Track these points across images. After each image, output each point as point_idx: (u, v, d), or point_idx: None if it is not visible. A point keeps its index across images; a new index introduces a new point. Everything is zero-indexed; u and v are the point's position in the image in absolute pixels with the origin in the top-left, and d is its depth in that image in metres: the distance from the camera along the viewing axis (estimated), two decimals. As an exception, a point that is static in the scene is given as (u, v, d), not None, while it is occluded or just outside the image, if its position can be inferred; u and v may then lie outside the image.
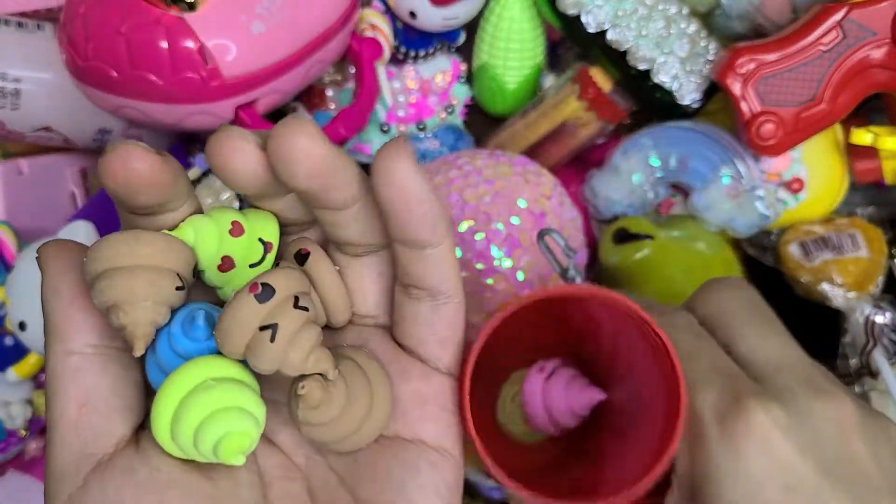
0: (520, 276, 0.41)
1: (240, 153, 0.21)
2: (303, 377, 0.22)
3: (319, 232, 0.25)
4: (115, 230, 0.50)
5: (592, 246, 0.51)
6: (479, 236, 0.41)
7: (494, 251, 0.41)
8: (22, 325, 0.44)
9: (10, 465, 0.50)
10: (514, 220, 0.41)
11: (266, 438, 0.25)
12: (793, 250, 0.49)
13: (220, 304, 0.24)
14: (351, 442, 0.24)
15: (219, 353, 0.22)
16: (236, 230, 0.23)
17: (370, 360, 0.24)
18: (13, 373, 0.46)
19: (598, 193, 0.51)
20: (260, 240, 0.24)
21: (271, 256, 0.24)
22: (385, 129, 0.53)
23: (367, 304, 0.26)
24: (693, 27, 0.48)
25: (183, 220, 0.22)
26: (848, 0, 0.43)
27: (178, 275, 0.22)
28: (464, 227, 0.41)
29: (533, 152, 0.52)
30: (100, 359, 0.23)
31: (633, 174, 0.50)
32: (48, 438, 0.22)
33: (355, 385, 0.23)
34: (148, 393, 0.24)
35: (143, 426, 0.23)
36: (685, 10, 0.48)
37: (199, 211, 0.23)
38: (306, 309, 0.22)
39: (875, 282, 0.48)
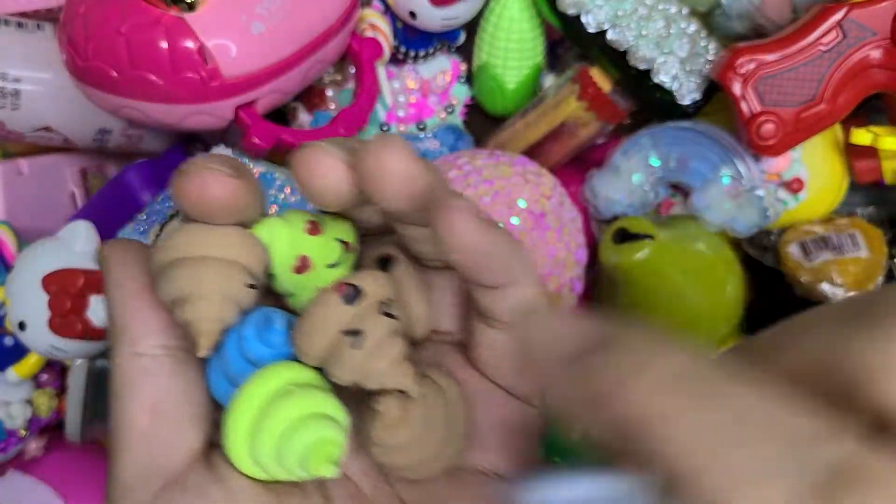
0: (520, 276, 0.41)
1: (326, 169, 0.20)
2: (381, 392, 0.20)
3: (393, 240, 0.24)
4: (115, 230, 0.50)
5: (592, 246, 0.51)
6: (479, 236, 0.41)
7: (494, 251, 0.41)
8: (22, 325, 0.43)
9: (10, 465, 0.50)
10: (514, 221, 0.41)
11: None
12: (793, 250, 0.49)
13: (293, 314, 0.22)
14: (425, 469, 0.22)
15: (294, 360, 0.20)
16: (313, 229, 0.21)
17: (449, 380, 0.22)
18: (13, 373, 0.46)
19: (598, 193, 0.51)
20: (338, 239, 0.22)
21: (352, 256, 0.22)
22: (385, 128, 0.53)
23: (444, 319, 0.24)
24: (693, 27, 0.48)
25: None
26: (848, 0, 0.43)
27: (249, 272, 0.20)
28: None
29: (533, 152, 0.51)
30: (170, 361, 0.21)
31: (633, 174, 0.50)
32: (113, 447, 0.21)
33: (434, 406, 0.21)
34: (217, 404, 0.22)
35: (213, 443, 0.21)
36: (685, 10, 0.48)
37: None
38: (394, 317, 0.20)
39: (875, 282, 0.48)
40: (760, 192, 0.47)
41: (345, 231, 0.22)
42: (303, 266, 0.21)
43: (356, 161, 0.20)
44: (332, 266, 0.22)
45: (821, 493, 0.11)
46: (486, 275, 0.21)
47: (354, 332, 0.20)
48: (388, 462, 0.21)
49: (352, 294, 0.20)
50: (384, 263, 0.22)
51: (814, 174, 0.49)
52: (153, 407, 0.20)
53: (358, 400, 0.22)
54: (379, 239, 0.24)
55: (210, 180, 0.19)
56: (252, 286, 0.20)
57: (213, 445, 0.21)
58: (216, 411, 0.21)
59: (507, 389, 0.23)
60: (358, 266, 0.22)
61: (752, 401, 0.13)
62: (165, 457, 0.20)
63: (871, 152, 0.47)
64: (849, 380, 0.13)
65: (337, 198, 0.20)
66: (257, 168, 0.44)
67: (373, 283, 0.20)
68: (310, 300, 0.20)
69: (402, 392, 0.21)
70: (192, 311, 0.19)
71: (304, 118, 0.53)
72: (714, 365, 0.14)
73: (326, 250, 0.21)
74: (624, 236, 0.47)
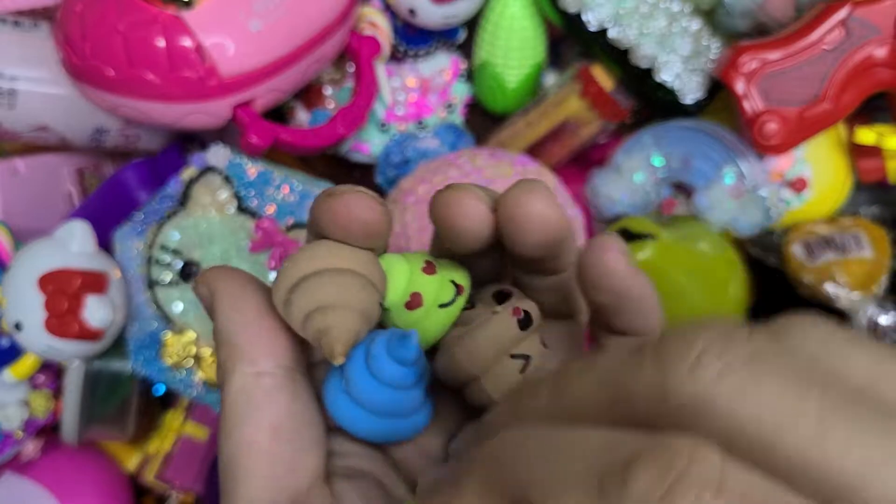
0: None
1: (470, 210, 0.20)
2: None
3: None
4: (112, 230, 0.50)
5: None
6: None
7: (495, 251, 0.40)
8: (18, 326, 0.43)
9: (6, 467, 0.49)
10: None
11: None
12: (796, 250, 0.48)
13: None
14: None
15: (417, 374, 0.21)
16: (429, 268, 0.22)
17: None
18: (9, 374, 0.46)
19: (600, 193, 0.51)
20: (452, 281, 0.22)
21: (462, 299, 0.22)
22: (384, 127, 0.53)
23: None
24: (695, 25, 0.48)
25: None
26: (852, -2, 0.43)
27: (380, 293, 0.21)
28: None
29: (534, 151, 0.51)
30: (290, 381, 0.21)
31: (635, 173, 0.49)
32: (232, 469, 0.20)
33: None
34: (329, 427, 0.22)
35: (330, 468, 0.22)
36: (687, 8, 0.48)
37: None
38: (547, 347, 0.22)
39: (879, 282, 0.47)
40: (763, 192, 0.47)
41: (459, 275, 0.23)
42: (415, 302, 0.22)
43: (498, 204, 0.20)
44: (444, 306, 0.22)
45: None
46: (626, 321, 0.22)
47: (525, 357, 0.21)
48: None
49: (526, 320, 0.21)
50: (501, 298, 0.23)
51: (817, 174, 0.49)
52: (275, 427, 0.20)
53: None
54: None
55: (360, 202, 0.20)
56: (381, 305, 0.21)
57: (332, 473, 0.22)
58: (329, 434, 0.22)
59: None
60: (471, 306, 0.23)
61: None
62: (289, 478, 0.20)
63: (875, 151, 0.47)
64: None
65: (477, 240, 0.21)
66: (255, 167, 0.44)
67: (537, 313, 0.21)
68: (482, 318, 0.21)
69: None
70: (332, 317, 0.20)
71: (302, 117, 0.53)
72: None
73: (440, 290, 0.22)
74: (626, 236, 0.46)
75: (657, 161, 0.49)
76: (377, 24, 0.50)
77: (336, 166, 0.55)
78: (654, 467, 0.11)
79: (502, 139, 0.53)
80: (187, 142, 0.53)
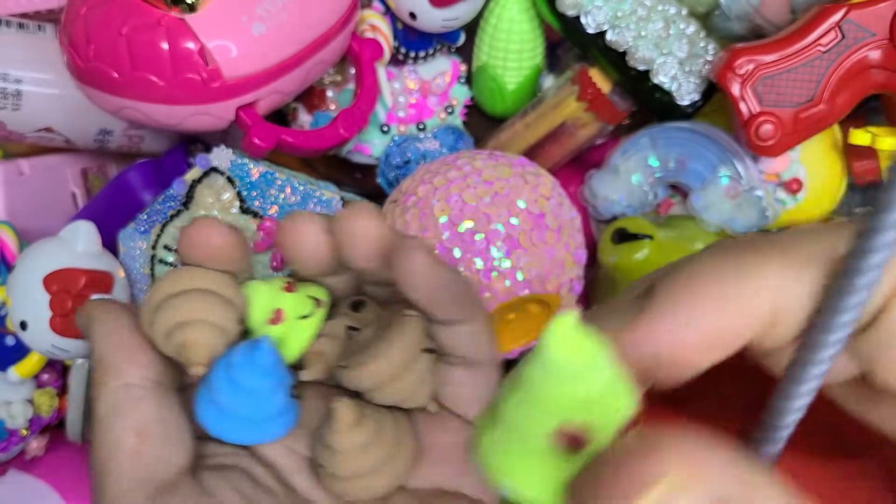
0: (519, 276, 0.41)
1: (307, 237, 0.23)
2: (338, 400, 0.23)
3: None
4: (116, 230, 0.50)
5: (591, 246, 0.51)
6: (478, 237, 0.41)
7: (494, 251, 0.41)
8: (23, 325, 0.44)
9: (11, 465, 0.50)
10: (514, 221, 0.41)
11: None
12: (791, 250, 0.49)
13: None
14: (370, 483, 0.23)
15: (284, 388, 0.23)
16: (289, 287, 0.24)
17: (401, 413, 0.25)
18: (14, 372, 0.46)
19: (598, 194, 0.51)
20: (310, 297, 0.25)
21: (321, 311, 0.25)
22: (385, 129, 0.53)
23: None
24: (692, 28, 0.48)
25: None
26: (847, 1, 0.43)
27: (238, 313, 0.23)
28: (463, 227, 0.41)
29: (532, 153, 0.52)
30: (156, 392, 0.23)
31: (632, 174, 0.50)
32: (100, 466, 0.22)
33: (384, 420, 0.24)
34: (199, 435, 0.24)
35: (199, 465, 0.23)
36: (684, 11, 0.48)
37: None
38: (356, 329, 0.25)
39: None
40: (759, 193, 0.48)
41: (317, 290, 0.25)
42: (277, 318, 0.24)
43: (332, 225, 0.23)
44: (304, 317, 0.24)
45: None
46: (440, 311, 0.23)
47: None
48: (338, 470, 0.23)
49: (357, 303, 0.23)
50: (356, 306, 0.25)
51: (812, 174, 0.49)
52: (141, 430, 0.22)
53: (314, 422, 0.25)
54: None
55: (211, 230, 0.23)
56: (238, 321, 0.23)
57: (200, 468, 0.23)
58: (198, 439, 0.24)
59: (465, 418, 0.26)
60: (330, 317, 0.25)
61: None
62: (155, 471, 0.22)
63: (869, 153, 0.48)
64: None
65: (317, 261, 0.24)
66: (258, 168, 0.45)
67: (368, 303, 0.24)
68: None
69: (357, 401, 0.23)
70: (189, 332, 0.22)
71: (304, 119, 0.53)
72: None
73: (300, 305, 0.24)
74: (623, 236, 0.47)
75: (654, 162, 0.49)
76: (378, 28, 0.51)
77: (337, 168, 0.56)
78: None
79: (501, 141, 0.53)
80: (191, 143, 0.54)
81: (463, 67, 0.55)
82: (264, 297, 0.24)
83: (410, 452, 0.24)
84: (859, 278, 0.14)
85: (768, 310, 0.15)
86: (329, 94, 0.53)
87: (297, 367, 0.25)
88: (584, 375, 0.13)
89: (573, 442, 0.14)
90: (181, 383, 0.25)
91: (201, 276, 0.22)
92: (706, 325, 0.15)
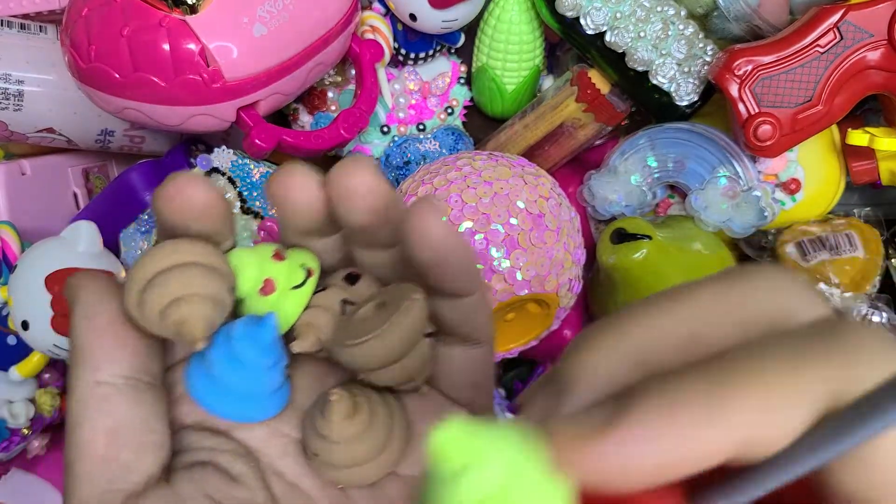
0: (518, 276, 0.41)
1: (301, 188, 0.22)
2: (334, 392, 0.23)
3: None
4: (118, 231, 0.50)
5: (590, 246, 0.51)
6: (478, 237, 0.41)
7: (494, 252, 0.41)
8: (25, 325, 0.44)
9: (13, 464, 0.50)
10: (513, 221, 0.42)
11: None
12: (789, 250, 0.49)
13: None
14: (363, 471, 0.23)
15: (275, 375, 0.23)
16: (277, 256, 0.23)
17: (392, 397, 0.25)
18: (16, 372, 0.47)
19: (597, 194, 0.51)
20: (301, 265, 0.24)
21: (313, 281, 0.24)
22: (385, 130, 0.53)
23: None
24: (690, 29, 0.48)
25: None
26: (845, 2, 0.44)
27: (229, 282, 0.22)
28: (463, 227, 0.41)
29: (531, 153, 0.52)
30: (130, 390, 0.22)
31: (630, 175, 0.50)
32: (70, 471, 0.21)
33: (377, 409, 0.24)
34: (174, 430, 0.23)
35: (171, 467, 0.22)
36: (683, 12, 0.48)
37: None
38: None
39: (871, 282, 0.48)
40: (757, 193, 0.48)
41: (308, 258, 0.24)
42: (268, 288, 0.23)
43: (327, 178, 0.21)
44: (296, 287, 0.23)
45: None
46: (448, 277, 0.22)
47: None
48: (333, 459, 0.23)
49: (353, 277, 0.23)
50: (352, 279, 0.25)
51: (810, 175, 0.49)
52: (111, 432, 0.21)
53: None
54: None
55: (191, 184, 0.21)
56: (231, 292, 0.22)
57: (172, 471, 0.22)
58: (173, 439, 0.23)
59: (460, 402, 0.25)
60: (323, 288, 0.24)
61: None
62: (123, 478, 0.21)
63: (867, 153, 0.48)
64: None
65: (310, 213, 0.22)
66: (259, 169, 0.45)
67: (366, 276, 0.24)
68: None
69: (351, 392, 0.23)
70: (186, 308, 0.21)
71: (305, 119, 0.53)
72: None
73: (291, 274, 0.23)
74: (622, 236, 0.47)
75: (652, 162, 0.50)
76: (378, 29, 0.51)
77: (337, 168, 0.56)
78: None
79: (501, 142, 0.53)
80: (192, 144, 0.54)
81: (463, 68, 0.55)
82: (253, 267, 0.23)
83: (403, 438, 0.24)
84: (858, 435, 0.13)
85: (742, 440, 0.14)
86: (330, 94, 0.53)
87: (287, 338, 0.24)
88: (472, 475, 0.12)
89: None
90: (160, 374, 0.23)
91: (186, 247, 0.21)
92: (676, 450, 0.14)
